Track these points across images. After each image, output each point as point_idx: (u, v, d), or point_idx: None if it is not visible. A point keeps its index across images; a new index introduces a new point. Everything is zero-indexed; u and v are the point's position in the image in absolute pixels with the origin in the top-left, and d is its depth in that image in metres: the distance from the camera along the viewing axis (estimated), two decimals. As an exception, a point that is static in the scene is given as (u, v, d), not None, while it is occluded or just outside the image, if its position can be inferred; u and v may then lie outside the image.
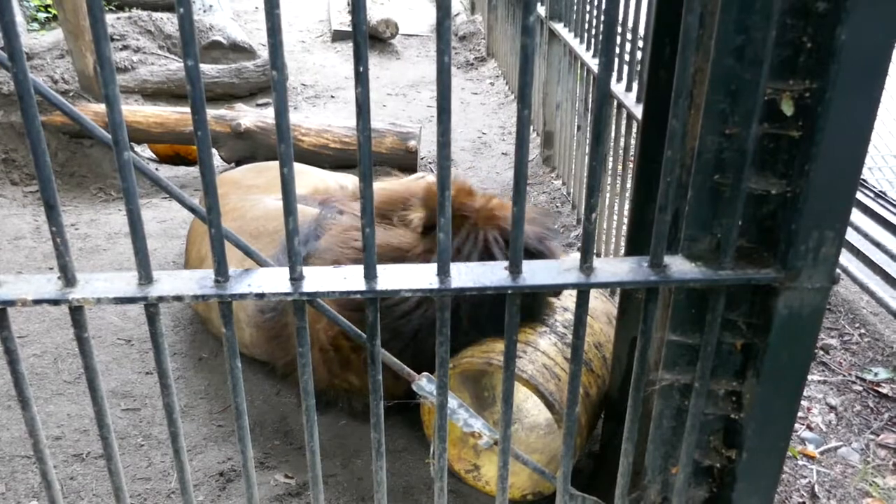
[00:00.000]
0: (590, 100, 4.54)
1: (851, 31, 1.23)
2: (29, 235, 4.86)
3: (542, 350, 2.69)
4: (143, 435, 3.15)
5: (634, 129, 3.57)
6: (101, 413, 1.52)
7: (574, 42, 4.82)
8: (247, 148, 5.74)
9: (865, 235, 4.06)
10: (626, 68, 3.75)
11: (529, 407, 3.06)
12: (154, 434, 3.16)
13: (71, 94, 5.69)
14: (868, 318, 3.88)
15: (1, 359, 3.83)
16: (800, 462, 2.99)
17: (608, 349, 2.78)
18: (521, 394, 2.86)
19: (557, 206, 5.20)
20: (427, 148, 6.31)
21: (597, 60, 4.37)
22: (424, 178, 5.12)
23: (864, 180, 4.44)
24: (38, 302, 1.36)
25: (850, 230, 3.87)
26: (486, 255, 2.75)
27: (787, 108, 1.37)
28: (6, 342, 1.42)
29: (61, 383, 3.46)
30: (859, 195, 4.32)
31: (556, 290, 1.44)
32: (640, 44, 3.56)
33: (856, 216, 4.17)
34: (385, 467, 1.64)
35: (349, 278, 1.44)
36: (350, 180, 4.65)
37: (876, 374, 3.47)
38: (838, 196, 1.37)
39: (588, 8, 4.55)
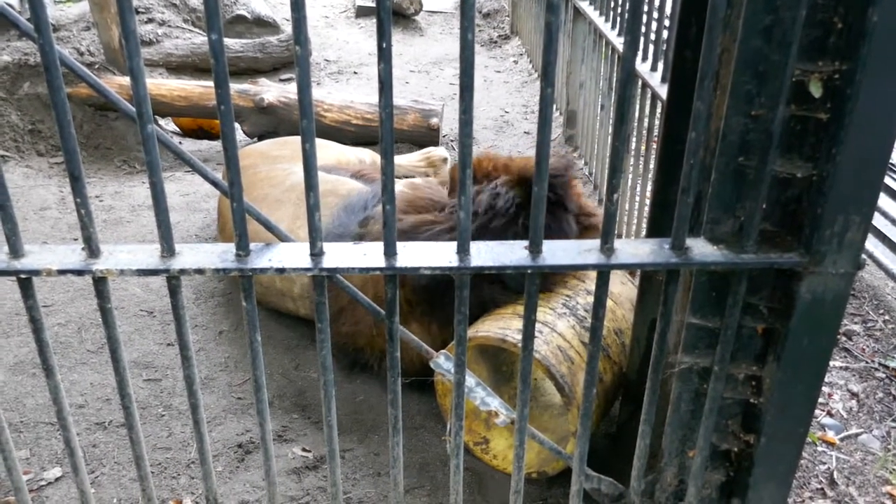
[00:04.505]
0: (614, 79, 4.49)
1: (884, 11, 1.21)
2: (54, 206, 4.91)
3: (559, 332, 2.69)
4: (163, 405, 3.20)
5: (659, 110, 3.53)
6: (123, 383, 1.54)
7: (599, 20, 4.76)
8: (269, 123, 5.75)
9: (893, 221, 4.00)
10: (651, 48, 3.70)
11: (547, 386, 3.07)
12: (174, 405, 3.20)
13: (96, 66, 5.72)
14: (893, 304, 3.83)
15: (26, 327, 3.89)
16: (819, 448, 2.97)
17: (629, 336, 2.77)
18: (539, 373, 2.86)
19: (579, 187, 5.18)
20: (449, 125, 6.29)
21: (622, 39, 4.32)
22: (433, 153, 5.15)
23: (892, 164, 4.37)
24: (62, 272, 1.37)
25: (876, 215, 3.81)
26: (494, 198, 2.98)
27: (816, 90, 1.34)
28: (31, 311, 1.44)
29: (85, 353, 3.52)
30: (887, 179, 4.25)
31: (576, 270, 1.44)
32: (667, 23, 3.51)
33: (883, 201, 4.10)
34: (402, 443, 1.65)
35: (369, 255, 1.44)
36: (367, 153, 4.73)
37: (898, 362, 3.44)
38: (866, 180, 1.35)
39: (615, -14, 4.49)
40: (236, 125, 5.70)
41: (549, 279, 2.93)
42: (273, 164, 4.08)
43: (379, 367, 3.29)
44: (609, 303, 2.84)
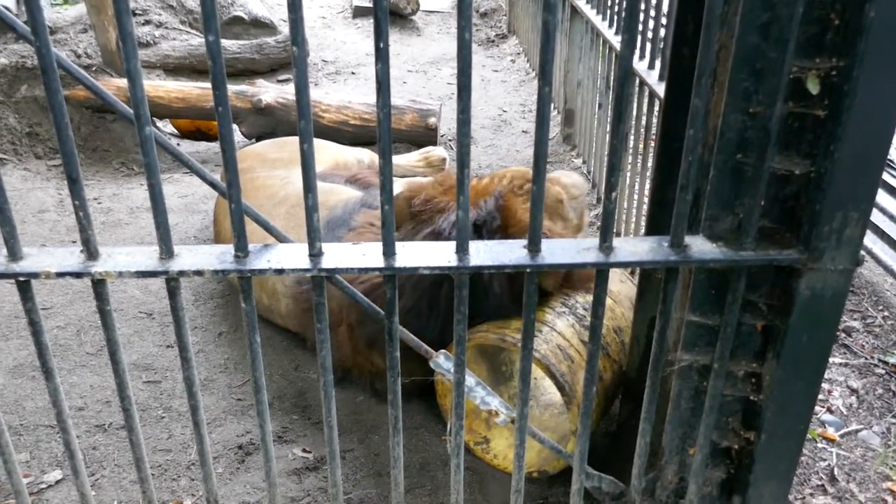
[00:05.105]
0: (611, 77, 4.49)
1: (881, 7, 1.21)
2: (53, 209, 4.91)
3: (559, 331, 2.68)
4: (163, 407, 3.20)
5: (656, 108, 3.53)
6: (122, 385, 1.54)
7: (596, 19, 4.76)
8: (267, 124, 5.74)
9: (891, 217, 4.00)
10: (648, 46, 3.70)
11: (546, 385, 3.07)
12: (174, 406, 3.20)
13: (94, 68, 5.71)
14: (892, 300, 3.84)
15: (25, 330, 3.88)
16: (819, 445, 2.98)
17: (628, 334, 2.76)
18: (539, 372, 2.86)
19: (578, 185, 5.17)
20: (447, 125, 6.28)
21: (619, 37, 4.33)
22: (431, 152, 5.12)
23: (890, 160, 4.37)
24: (61, 275, 1.37)
25: (874, 211, 3.82)
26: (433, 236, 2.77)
27: (813, 87, 1.34)
28: (30, 314, 1.44)
29: (84, 355, 3.51)
30: (885, 175, 4.25)
31: (575, 269, 1.44)
32: (664, 21, 3.51)
33: (881, 197, 4.10)
34: (402, 443, 1.65)
35: (368, 255, 1.44)
36: (366, 154, 4.70)
37: (898, 358, 3.44)
38: (863, 176, 1.35)
39: (612, -16, 4.49)
40: (234, 126, 5.69)
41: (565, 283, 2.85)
42: (271, 169, 4.06)
43: (373, 386, 3.26)
44: (608, 301, 2.84)
